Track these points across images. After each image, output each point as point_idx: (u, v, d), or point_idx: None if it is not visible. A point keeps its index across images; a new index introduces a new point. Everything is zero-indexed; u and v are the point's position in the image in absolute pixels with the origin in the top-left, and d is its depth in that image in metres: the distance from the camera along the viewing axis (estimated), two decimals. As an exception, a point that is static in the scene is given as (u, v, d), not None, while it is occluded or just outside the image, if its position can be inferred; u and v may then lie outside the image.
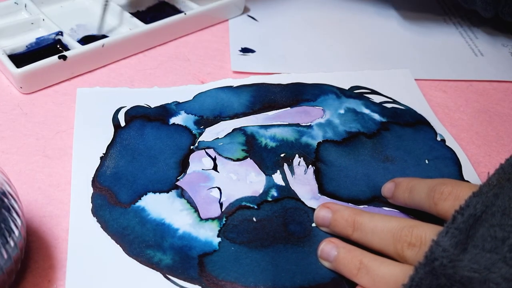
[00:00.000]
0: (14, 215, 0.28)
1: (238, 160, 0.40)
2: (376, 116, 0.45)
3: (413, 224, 0.31)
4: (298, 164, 0.40)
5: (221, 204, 0.37)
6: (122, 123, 0.42)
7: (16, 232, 0.28)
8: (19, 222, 0.29)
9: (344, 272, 0.32)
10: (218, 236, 0.35)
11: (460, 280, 0.26)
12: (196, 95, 0.46)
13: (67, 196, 0.36)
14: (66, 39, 0.48)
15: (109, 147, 0.40)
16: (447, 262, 0.26)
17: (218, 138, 0.42)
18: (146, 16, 0.55)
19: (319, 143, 0.42)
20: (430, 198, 0.32)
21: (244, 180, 0.39)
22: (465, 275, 0.26)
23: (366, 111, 0.46)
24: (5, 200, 0.28)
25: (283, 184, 0.39)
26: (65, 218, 0.35)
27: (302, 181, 0.39)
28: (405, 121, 0.45)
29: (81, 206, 0.35)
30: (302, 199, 0.38)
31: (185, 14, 0.53)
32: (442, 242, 0.27)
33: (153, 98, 0.45)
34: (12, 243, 0.28)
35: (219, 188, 0.38)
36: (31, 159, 0.39)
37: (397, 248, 0.31)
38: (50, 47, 0.48)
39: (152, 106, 0.44)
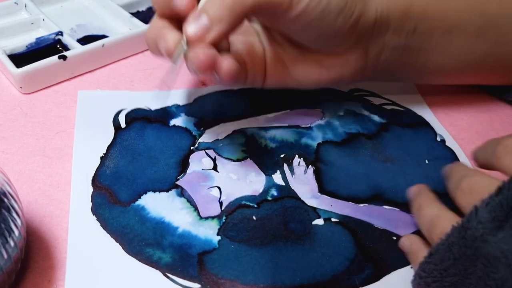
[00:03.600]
0: (14, 215, 0.28)
1: (238, 160, 0.40)
2: (376, 118, 0.45)
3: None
4: (298, 164, 0.40)
5: (221, 203, 0.37)
6: (123, 125, 0.42)
7: (16, 232, 0.28)
8: (19, 222, 0.29)
9: None
10: (218, 234, 0.35)
11: (485, 256, 0.26)
12: (196, 98, 0.46)
13: (67, 196, 0.36)
14: (66, 39, 0.48)
15: (109, 148, 0.40)
16: (478, 235, 0.26)
17: (218, 139, 0.42)
18: (146, 16, 0.55)
19: (318, 144, 0.42)
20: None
21: (244, 180, 0.39)
22: (492, 253, 0.26)
23: (366, 112, 0.46)
24: (5, 200, 0.28)
25: (283, 183, 0.39)
26: (65, 218, 0.35)
27: (302, 181, 0.39)
28: (404, 122, 0.45)
29: (80, 204, 0.35)
30: (302, 198, 0.38)
31: (185, 14, 0.53)
32: (481, 212, 0.27)
33: (154, 101, 0.45)
34: (12, 243, 0.28)
35: (219, 187, 0.38)
36: (31, 159, 0.39)
37: None
38: (50, 47, 0.48)
39: (153, 109, 0.44)
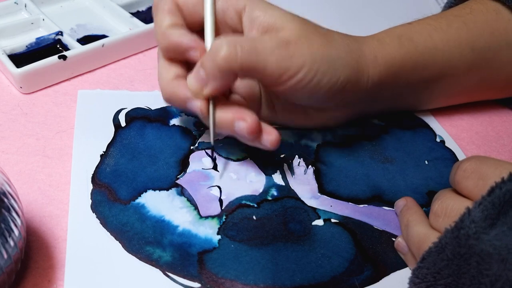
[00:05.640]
0: (14, 215, 0.28)
1: (238, 160, 0.40)
2: (376, 121, 0.45)
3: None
4: (298, 165, 0.41)
5: (221, 202, 0.37)
6: (123, 124, 0.42)
7: (16, 232, 0.28)
8: (19, 222, 0.29)
9: None
10: (218, 233, 0.35)
11: (479, 254, 0.26)
12: None
13: (67, 196, 0.36)
14: (66, 39, 0.48)
15: (109, 146, 0.40)
16: (472, 233, 0.27)
17: (218, 139, 0.42)
18: (146, 16, 0.55)
19: (318, 145, 0.42)
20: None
21: (244, 180, 0.39)
22: (485, 249, 0.26)
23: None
24: (5, 200, 0.28)
25: (283, 183, 0.39)
26: (64, 218, 0.35)
27: (302, 181, 0.39)
28: (404, 124, 0.45)
29: (80, 202, 0.35)
30: (302, 198, 0.38)
31: (185, 14, 0.53)
32: (473, 212, 0.27)
33: (154, 101, 0.45)
34: (12, 243, 0.28)
35: (219, 187, 0.38)
36: (31, 159, 0.39)
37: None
38: (50, 47, 0.48)
39: (153, 109, 0.44)
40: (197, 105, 0.35)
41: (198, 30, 0.37)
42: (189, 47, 0.35)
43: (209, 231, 0.35)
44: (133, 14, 0.53)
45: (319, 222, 0.36)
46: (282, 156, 0.41)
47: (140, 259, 0.33)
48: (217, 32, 0.37)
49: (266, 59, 0.33)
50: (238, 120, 0.35)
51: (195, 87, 0.35)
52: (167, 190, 0.37)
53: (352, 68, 0.37)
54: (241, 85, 0.40)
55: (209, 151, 0.41)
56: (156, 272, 0.32)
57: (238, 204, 0.37)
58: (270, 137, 0.36)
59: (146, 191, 0.37)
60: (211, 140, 0.37)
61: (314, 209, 0.37)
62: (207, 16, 0.36)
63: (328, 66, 0.35)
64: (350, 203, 0.38)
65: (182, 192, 0.37)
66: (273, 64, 0.34)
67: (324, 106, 0.39)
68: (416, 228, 0.32)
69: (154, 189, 0.37)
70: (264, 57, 0.33)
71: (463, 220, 0.27)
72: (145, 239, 0.34)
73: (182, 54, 0.36)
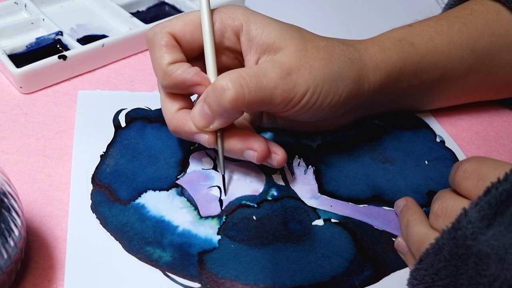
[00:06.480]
0: (14, 215, 0.28)
1: (238, 160, 0.40)
2: (376, 121, 0.45)
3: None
4: (298, 165, 0.41)
5: (221, 202, 0.37)
6: (123, 124, 0.42)
7: (16, 232, 0.28)
8: (19, 222, 0.29)
9: None
10: (218, 233, 0.35)
11: (476, 254, 0.26)
12: (196, 99, 0.46)
13: (67, 196, 0.36)
14: (66, 39, 0.48)
15: (109, 146, 0.40)
16: (469, 233, 0.27)
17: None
18: (146, 16, 0.55)
19: (318, 145, 0.42)
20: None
21: (244, 180, 0.39)
22: (483, 249, 0.26)
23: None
24: (5, 200, 0.28)
25: (283, 183, 0.39)
26: (64, 218, 0.35)
27: (302, 181, 0.39)
28: (404, 124, 0.45)
29: (80, 202, 0.35)
30: (302, 198, 0.38)
31: (185, 14, 0.53)
32: (470, 213, 0.27)
33: (154, 101, 0.45)
34: (12, 243, 0.28)
35: (219, 187, 0.38)
36: (31, 159, 0.39)
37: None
38: (50, 47, 0.48)
39: (153, 109, 0.44)
40: (205, 138, 0.35)
41: (197, 54, 0.37)
42: (193, 83, 0.35)
43: (209, 231, 0.35)
44: (133, 14, 0.53)
45: (319, 222, 0.36)
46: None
47: (140, 259, 0.33)
48: (217, 55, 0.36)
49: (272, 93, 0.33)
50: (247, 150, 0.35)
51: (201, 124, 0.35)
52: (167, 190, 0.37)
53: (354, 81, 0.37)
54: None
55: (209, 151, 0.41)
56: (156, 272, 0.32)
57: (238, 204, 0.37)
58: (278, 157, 0.36)
59: (146, 191, 0.37)
60: (222, 171, 0.37)
61: (314, 209, 0.37)
62: (207, 44, 0.36)
63: (330, 86, 0.35)
64: (350, 203, 0.38)
65: (182, 192, 0.37)
66: (278, 96, 0.34)
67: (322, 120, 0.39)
68: (416, 228, 0.32)
69: (154, 189, 0.37)
70: (269, 91, 0.33)
71: (460, 221, 0.27)
72: (145, 239, 0.34)
73: (186, 90, 0.36)
